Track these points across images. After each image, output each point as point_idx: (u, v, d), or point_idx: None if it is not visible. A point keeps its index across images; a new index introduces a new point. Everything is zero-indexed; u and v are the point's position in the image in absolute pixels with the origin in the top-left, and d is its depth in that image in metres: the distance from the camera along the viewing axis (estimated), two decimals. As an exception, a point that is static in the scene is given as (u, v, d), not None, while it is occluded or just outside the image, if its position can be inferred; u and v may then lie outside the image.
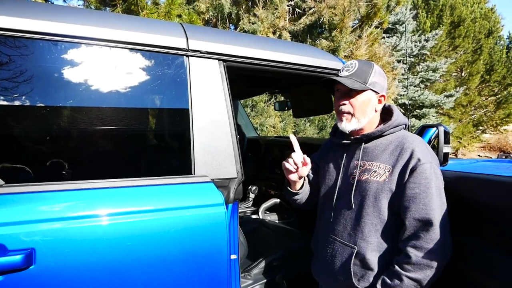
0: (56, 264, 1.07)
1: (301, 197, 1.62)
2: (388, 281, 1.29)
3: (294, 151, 1.48)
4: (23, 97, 1.17)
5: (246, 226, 2.46)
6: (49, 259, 1.06)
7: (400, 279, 1.26)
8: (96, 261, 1.13)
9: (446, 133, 1.71)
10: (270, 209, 2.92)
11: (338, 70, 1.70)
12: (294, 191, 1.59)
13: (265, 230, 2.47)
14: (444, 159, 1.67)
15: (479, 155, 16.97)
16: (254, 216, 2.85)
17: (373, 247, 1.36)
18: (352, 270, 1.37)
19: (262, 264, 1.92)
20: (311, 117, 7.85)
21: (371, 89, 1.42)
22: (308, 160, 1.47)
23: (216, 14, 7.29)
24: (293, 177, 1.50)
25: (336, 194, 1.49)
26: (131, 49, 1.35)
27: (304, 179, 1.60)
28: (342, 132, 1.51)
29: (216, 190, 1.37)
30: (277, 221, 2.82)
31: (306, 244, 1.82)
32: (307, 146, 2.92)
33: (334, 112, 1.61)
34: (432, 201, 1.27)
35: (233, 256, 1.43)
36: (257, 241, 2.24)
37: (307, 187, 1.63)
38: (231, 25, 7.82)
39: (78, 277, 1.11)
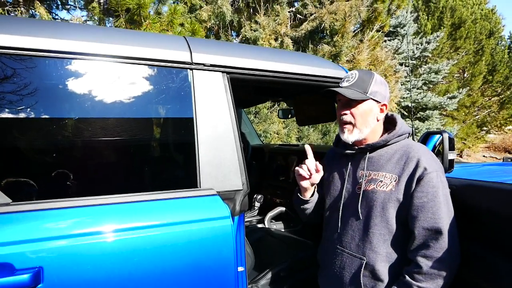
0: (64, 282, 1.08)
1: (311, 206, 1.62)
2: None
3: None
4: (29, 114, 1.18)
5: (252, 236, 2.45)
6: (57, 277, 1.06)
7: None
8: (104, 278, 1.13)
9: (451, 140, 1.70)
10: (276, 218, 2.91)
11: (341, 78, 1.70)
12: (305, 199, 1.59)
13: (271, 240, 2.46)
14: (449, 166, 1.67)
15: (484, 156, 16.89)
16: (260, 225, 2.84)
17: (382, 257, 1.35)
18: (362, 281, 1.36)
19: (269, 275, 1.91)
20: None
21: (372, 99, 1.42)
22: (320, 167, 1.49)
23: (218, 22, 7.32)
24: (305, 183, 1.53)
25: (342, 205, 1.48)
26: (136, 64, 1.36)
27: (315, 188, 1.61)
28: (345, 142, 1.51)
29: (222, 202, 1.37)
30: (283, 230, 2.80)
31: (313, 253, 1.81)
32: (313, 154, 2.91)
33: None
34: (440, 210, 1.27)
35: (240, 269, 1.43)
36: (264, 251, 2.23)
37: (316, 196, 1.63)
38: (233, 32, 7.86)
39: (86, 294, 1.11)
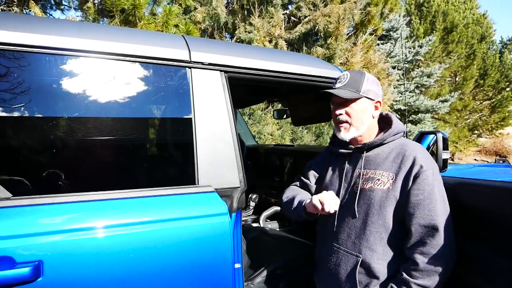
0: (64, 276, 1.08)
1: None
2: None
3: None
4: (29, 111, 1.19)
5: (247, 235, 2.47)
6: (56, 271, 1.07)
7: (409, 286, 1.27)
8: (103, 272, 1.14)
9: (445, 140, 1.73)
10: (271, 217, 2.93)
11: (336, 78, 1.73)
12: (310, 218, 1.54)
13: (266, 239, 2.47)
14: (443, 165, 1.70)
15: (475, 159, 17.05)
16: (255, 225, 2.86)
17: (378, 255, 1.36)
18: (357, 278, 1.38)
19: (265, 272, 1.92)
20: (308, 125, 7.89)
21: (365, 97, 1.46)
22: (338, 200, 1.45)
23: (212, 23, 7.34)
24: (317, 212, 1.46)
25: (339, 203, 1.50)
26: (134, 62, 1.37)
27: None
28: (341, 141, 1.54)
29: (220, 199, 1.39)
30: (278, 229, 2.82)
31: (308, 252, 1.83)
32: (308, 155, 2.94)
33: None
34: (436, 207, 1.30)
35: (237, 265, 1.44)
36: (259, 249, 2.24)
37: None
38: (227, 34, 7.88)
39: (86, 289, 1.11)
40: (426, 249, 1.28)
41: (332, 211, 1.39)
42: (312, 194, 1.65)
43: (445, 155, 1.71)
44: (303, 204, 1.50)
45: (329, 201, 1.39)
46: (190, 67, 1.46)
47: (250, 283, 1.87)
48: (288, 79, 1.74)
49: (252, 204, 3.32)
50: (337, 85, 1.49)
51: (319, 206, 1.38)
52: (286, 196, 1.65)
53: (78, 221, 1.15)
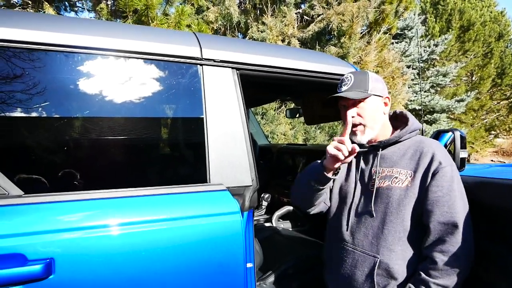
0: (75, 274, 1.08)
1: (327, 191, 1.52)
2: None
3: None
4: (42, 109, 1.19)
5: (259, 234, 2.45)
6: (68, 269, 1.07)
7: (428, 286, 1.24)
8: (115, 271, 1.13)
9: (462, 138, 1.68)
10: (283, 217, 2.90)
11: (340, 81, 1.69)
12: (331, 177, 1.39)
13: (279, 238, 2.45)
14: (461, 164, 1.65)
15: (492, 160, 16.72)
16: (267, 224, 2.84)
17: (397, 255, 1.33)
18: (375, 280, 1.34)
19: (278, 272, 1.90)
20: (322, 124, 7.84)
21: (373, 95, 1.44)
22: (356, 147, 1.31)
23: (225, 23, 7.35)
24: (337, 165, 1.34)
25: (353, 202, 1.47)
26: (145, 59, 1.36)
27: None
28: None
29: (232, 198, 1.37)
30: (290, 229, 2.80)
31: (320, 252, 1.80)
32: (321, 154, 2.90)
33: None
34: (456, 204, 1.27)
35: (249, 265, 1.42)
36: (271, 249, 2.22)
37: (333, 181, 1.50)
38: (239, 34, 7.88)
39: (97, 287, 1.11)
40: (445, 247, 1.24)
41: (352, 152, 1.27)
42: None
43: (463, 154, 1.66)
44: (322, 163, 1.39)
45: (343, 147, 1.26)
46: (201, 64, 1.45)
47: (262, 283, 1.85)
48: (301, 76, 1.72)
49: (265, 203, 3.30)
50: (343, 88, 1.46)
51: (337, 153, 1.27)
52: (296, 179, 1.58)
53: (89, 219, 1.15)
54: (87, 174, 1.28)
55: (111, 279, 1.13)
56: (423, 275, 1.26)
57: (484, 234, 1.40)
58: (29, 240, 1.03)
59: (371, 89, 1.43)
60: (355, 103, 1.44)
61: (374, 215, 1.39)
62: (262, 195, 3.33)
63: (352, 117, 1.43)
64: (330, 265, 1.57)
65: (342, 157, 1.27)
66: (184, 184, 1.36)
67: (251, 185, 1.45)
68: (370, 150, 1.49)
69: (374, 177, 1.43)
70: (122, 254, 1.15)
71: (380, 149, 1.46)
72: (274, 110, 7.28)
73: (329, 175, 1.37)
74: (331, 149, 1.29)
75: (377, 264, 1.34)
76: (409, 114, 1.51)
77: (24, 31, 1.17)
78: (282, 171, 3.54)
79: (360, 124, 1.44)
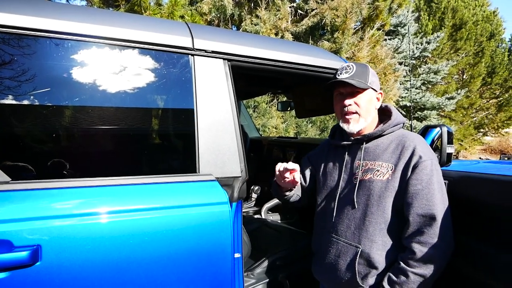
0: (62, 261, 1.08)
1: (293, 194, 1.66)
2: (394, 278, 1.30)
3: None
4: (29, 96, 1.18)
5: (249, 226, 2.46)
6: (55, 256, 1.07)
7: (406, 275, 1.27)
8: (101, 258, 1.14)
9: (450, 134, 1.71)
10: (272, 209, 2.92)
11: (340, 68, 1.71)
12: (285, 193, 1.66)
13: (267, 230, 2.47)
14: (447, 160, 1.67)
15: (480, 158, 16.94)
16: (256, 216, 2.85)
17: (378, 246, 1.36)
18: (356, 269, 1.38)
19: (265, 263, 1.92)
20: (313, 118, 7.86)
21: (371, 88, 1.46)
22: (294, 166, 1.49)
23: (218, 15, 7.31)
24: (286, 185, 1.58)
25: (338, 194, 1.49)
26: (136, 48, 1.35)
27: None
28: (341, 134, 1.56)
29: (221, 188, 1.38)
30: (279, 221, 2.82)
31: (308, 244, 1.82)
32: (311, 147, 2.92)
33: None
34: (434, 197, 1.29)
35: (237, 255, 1.43)
36: (260, 240, 2.24)
37: (296, 188, 1.66)
38: (233, 26, 7.84)
39: (83, 274, 1.11)
40: (423, 238, 1.27)
41: (287, 174, 1.49)
42: (306, 185, 1.67)
43: (450, 149, 1.69)
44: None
45: (278, 167, 1.52)
46: (192, 55, 1.44)
47: (250, 274, 1.87)
48: (292, 69, 1.72)
49: (254, 196, 3.32)
50: (344, 75, 1.45)
51: (277, 173, 1.53)
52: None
53: (77, 206, 1.14)
54: (75, 162, 1.27)
55: (98, 267, 1.13)
56: (402, 264, 1.29)
57: (466, 228, 1.43)
58: (15, 227, 1.03)
59: (370, 82, 1.45)
60: (353, 92, 1.45)
61: (356, 207, 1.41)
62: (252, 187, 3.34)
63: (350, 105, 1.45)
64: (317, 255, 1.60)
65: (281, 179, 1.52)
66: (174, 173, 1.37)
67: (240, 176, 1.45)
68: (354, 144, 1.51)
69: (357, 170, 1.45)
70: (109, 242, 1.15)
71: (364, 143, 1.48)
72: (266, 104, 7.28)
73: (283, 191, 1.64)
74: (279, 171, 1.52)
75: (359, 253, 1.38)
76: (392, 108, 1.53)
77: (13, 15, 1.15)
78: (273, 164, 3.54)
79: (356, 112, 1.45)
